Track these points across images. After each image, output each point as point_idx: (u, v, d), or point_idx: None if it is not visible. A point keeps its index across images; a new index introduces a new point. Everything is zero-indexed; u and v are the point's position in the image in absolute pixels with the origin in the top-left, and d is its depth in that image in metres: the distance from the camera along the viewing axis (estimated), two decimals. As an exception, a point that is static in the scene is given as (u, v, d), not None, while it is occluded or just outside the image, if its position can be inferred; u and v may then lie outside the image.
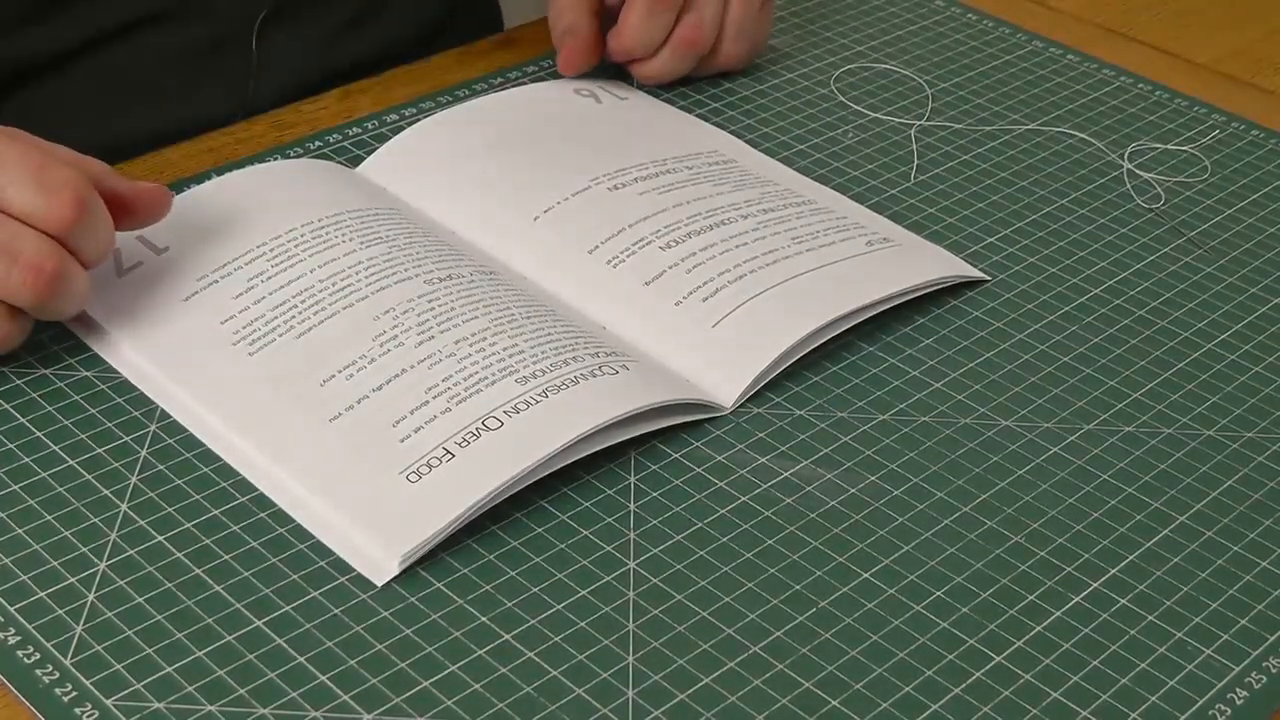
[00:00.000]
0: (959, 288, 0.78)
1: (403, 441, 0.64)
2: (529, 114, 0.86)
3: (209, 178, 0.79)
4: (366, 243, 0.73)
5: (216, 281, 0.72)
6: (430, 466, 0.63)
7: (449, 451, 0.64)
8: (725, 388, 0.70)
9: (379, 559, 0.61)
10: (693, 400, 0.69)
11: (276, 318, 0.70)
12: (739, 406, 0.70)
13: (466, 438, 0.64)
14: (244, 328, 0.70)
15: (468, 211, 0.78)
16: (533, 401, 0.65)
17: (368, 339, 0.69)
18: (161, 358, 0.69)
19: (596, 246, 0.75)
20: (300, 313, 0.70)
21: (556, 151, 0.82)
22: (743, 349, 0.71)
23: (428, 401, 0.66)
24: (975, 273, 0.79)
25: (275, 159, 0.83)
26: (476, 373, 0.67)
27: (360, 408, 0.66)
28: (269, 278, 0.72)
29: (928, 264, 0.78)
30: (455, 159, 0.82)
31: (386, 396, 0.66)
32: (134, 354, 0.69)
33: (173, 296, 0.71)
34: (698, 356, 0.71)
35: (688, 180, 0.80)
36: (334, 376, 0.67)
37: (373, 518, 0.62)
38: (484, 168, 0.81)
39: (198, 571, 0.61)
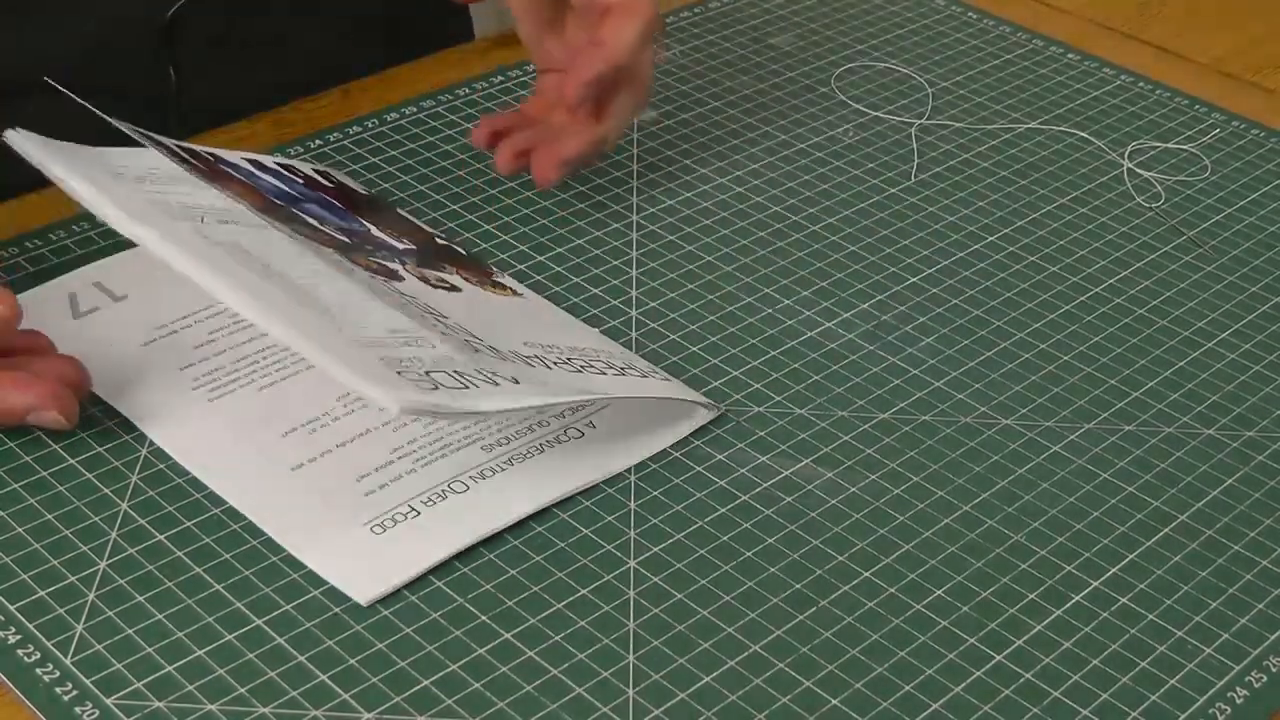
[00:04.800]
0: (959, 287, 0.78)
1: (367, 495, 0.64)
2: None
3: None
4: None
5: (176, 332, 0.71)
6: (395, 521, 0.63)
7: (415, 509, 0.64)
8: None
9: (349, 594, 0.61)
10: (665, 446, 0.68)
11: (238, 370, 0.69)
12: (739, 405, 0.70)
13: (433, 498, 0.64)
14: (204, 375, 0.69)
15: None
16: (499, 469, 0.66)
17: (331, 398, 0.68)
18: (117, 394, 0.68)
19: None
20: (261, 368, 0.69)
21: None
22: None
23: (393, 461, 0.65)
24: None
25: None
26: (441, 438, 0.66)
27: (324, 460, 0.65)
28: (230, 333, 0.71)
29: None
30: None
31: (350, 452, 0.66)
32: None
33: (130, 341, 0.70)
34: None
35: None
36: (296, 430, 0.67)
37: (339, 563, 0.62)
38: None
39: (198, 570, 0.61)
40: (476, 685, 0.58)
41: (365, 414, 0.67)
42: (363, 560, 0.62)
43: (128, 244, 0.74)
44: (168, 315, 0.72)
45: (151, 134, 0.68)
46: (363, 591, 0.61)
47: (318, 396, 0.68)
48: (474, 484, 0.65)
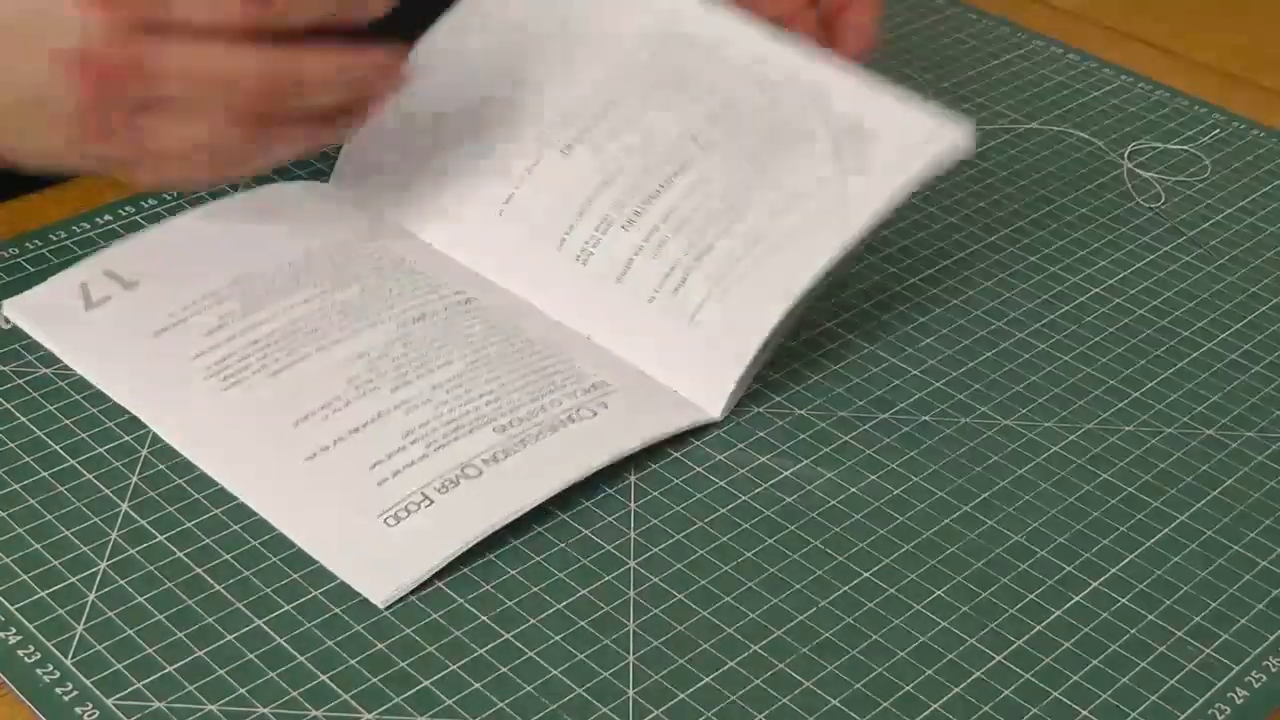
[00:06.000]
0: (959, 288, 0.78)
1: (381, 485, 0.64)
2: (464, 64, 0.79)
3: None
4: (338, 285, 0.72)
5: (185, 320, 0.71)
6: (409, 511, 0.63)
7: (428, 497, 0.64)
8: (711, 396, 0.69)
9: (363, 593, 0.61)
10: (675, 431, 0.68)
11: (249, 355, 0.69)
12: (738, 406, 0.70)
13: (446, 485, 0.64)
14: (216, 364, 0.69)
15: (431, 214, 0.76)
16: (511, 450, 0.65)
17: (342, 382, 0.68)
18: (131, 392, 0.68)
19: (564, 239, 0.74)
20: (273, 353, 0.69)
21: (500, 107, 0.78)
22: (721, 350, 0.70)
23: (405, 446, 0.65)
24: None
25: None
26: (454, 419, 0.66)
27: (336, 449, 0.65)
28: (241, 316, 0.71)
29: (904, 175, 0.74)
30: (408, 151, 0.78)
31: (363, 439, 0.66)
32: (103, 387, 0.68)
33: (142, 330, 0.70)
34: (680, 362, 0.70)
35: (636, 108, 0.76)
36: (309, 417, 0.67)
37: (354, 559, 0.62)
38: (435, 150, 0.77)
39: (198, 571, 0.61)
40: (476, 685, 0.58)
41: (377, 397, 0.67)
42: (377, 558, 0.62)
43: (136, 229, 0.75)
44: (179, 300, 0.72)
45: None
46: (378, 592, 0.61)
47: (330, 381, 0.68)
48: (487, 467, 0.65)
